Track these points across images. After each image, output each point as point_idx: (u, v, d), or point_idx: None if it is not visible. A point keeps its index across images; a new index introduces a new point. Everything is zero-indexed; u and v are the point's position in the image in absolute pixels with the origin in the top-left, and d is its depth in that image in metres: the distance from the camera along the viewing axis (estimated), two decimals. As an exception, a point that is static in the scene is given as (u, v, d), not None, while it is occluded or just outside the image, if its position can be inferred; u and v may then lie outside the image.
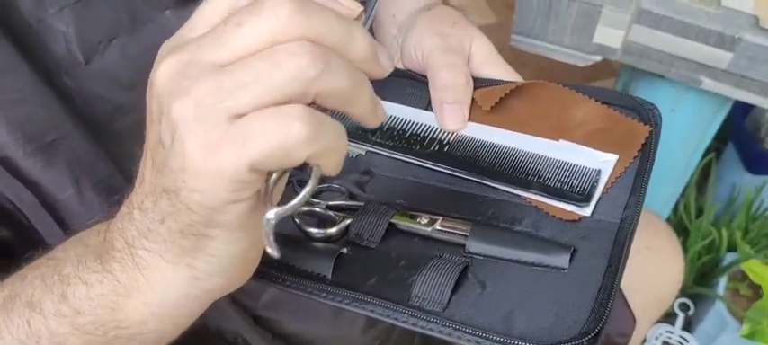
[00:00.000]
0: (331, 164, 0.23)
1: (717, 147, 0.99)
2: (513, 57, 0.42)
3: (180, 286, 0.26)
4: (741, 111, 0.94)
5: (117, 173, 0.35)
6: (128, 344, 0.27)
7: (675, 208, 0.97)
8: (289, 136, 0.21)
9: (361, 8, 0.26)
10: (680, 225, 0.96)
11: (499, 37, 0.43)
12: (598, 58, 0.68)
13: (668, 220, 0.94)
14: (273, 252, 0.23)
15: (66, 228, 0.34)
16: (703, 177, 0.97)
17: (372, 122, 0.25)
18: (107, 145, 0.35)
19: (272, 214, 0.23)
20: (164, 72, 0.22)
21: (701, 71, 0.63)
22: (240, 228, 0.24)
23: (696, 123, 0.74)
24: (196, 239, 0.24)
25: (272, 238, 0.23)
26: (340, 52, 0.23)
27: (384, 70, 0.25)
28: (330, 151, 0.22)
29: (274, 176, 0.24)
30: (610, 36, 0.65)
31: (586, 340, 0.28)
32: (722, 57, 0.61)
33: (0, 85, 0.32)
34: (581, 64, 0.69)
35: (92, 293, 0.26)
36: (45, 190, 0.34)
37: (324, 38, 0.22)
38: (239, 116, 0.21)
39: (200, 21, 0.24)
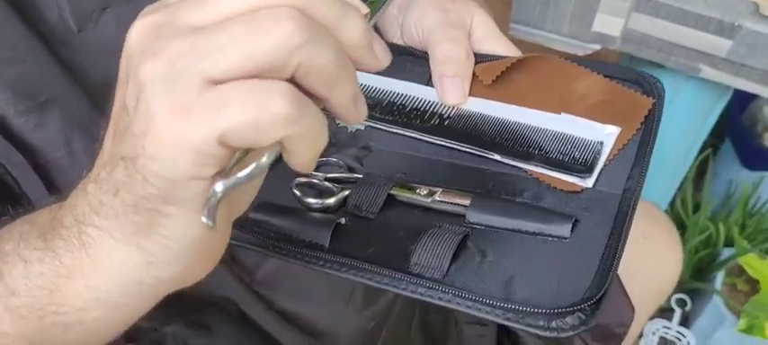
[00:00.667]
0: (304, 154, 0.21)
1: (713, 143, 0.99)
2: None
3: (129, 270, 0.23)
4: (738, 107, 0.94)
5: None
6: (65, 334, 0.24)
7: (673, 204, 0.97)
8: (267, 110, 0.19)
9: (367, 10, 0.24)
10: (677, 221, 0.96)
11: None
12: (597, 47, 0.68)
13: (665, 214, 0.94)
14: (209, 222, 0.22)
15: (56, 191, 0.33)
16: (700, 173, 0.97)
17: (352, 117, 0.23)
18: (102, 107, 0.35)
19: (219, 185, 0.21)
20: (136, 31, 0.21)
21: (701, 59, 0.63)
22: (199, 210, 0.22)
23: (695, 113, 0.74)
24: (150, 215, 0.22)
25: (213, 211, 0.21)
26: (330, 30, 0.21)
27: (379, 62, 0.23)
28: (307, 138, 0.21)
29: (237, 154, 0.22)
30: (609, 24, 0.65)
31: (588, 306, 0.28)
32: (722, 45, 0.61)
33: None
34: (580, 53, 0.69)
35: (29, 272, 0.24)
36: (36, 150, 0.33)
37: (314, 10, 0.21)
38: (214, 82, 0.20)
39: None
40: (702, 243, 0.93)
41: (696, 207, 0.96)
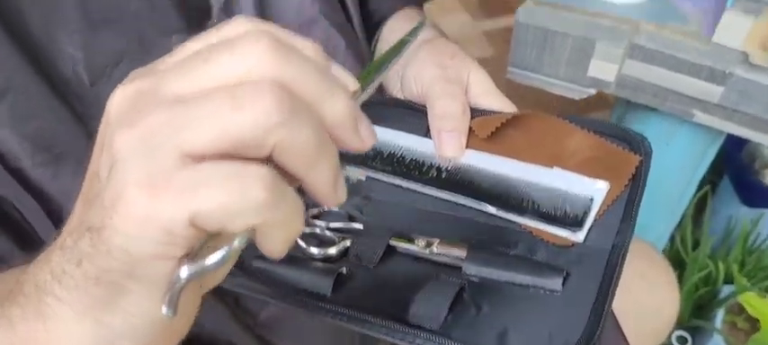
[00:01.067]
0: (277, 241, 0.21)
1: (712, 180, 1.00)
2: (510, 89, 0.44)
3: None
4: (736, 144, 0.95)
5: None
6: None
7: (672, 241, 0.98)
8: (243, 197, 0.19)
9: (357, 86, 0.23)
10: (676, 258, 0.96)
11: (496, 69, 0.44)
12: (593, 92, 0.70)
13: (664, 252, 0.95)
14: (169, 312, 0.20)
15: None
16: (699, 210, 0.98)
17: (330, 200, 0.22)
18: None
19: (184, 271, 0.20)
20: (117, 98, 0.21)
21: (694, 104, 0.65)
22: (162, 289, 0.21)
23: (690, 155, 0.76)
24: (111, 289, 0.21)
25: (176, 298, 0.20)
26: (313, 107, 0.20)
27: (363, 143, 0.22)
28: (281, 227, 0.20)
29: (207, 236, 0.20)
30: (604, 69, 0.66)
31: (578, 360, 0.29)
32: (714, 92, 0.62)
33: (11, 99, 0.33)
34: (576, 97, 0.70)
35: None
36: (52, 199, 0.34)
37: (297, 86, 0.20)
38: (191, 157, 0.19)
39: (178, 54, 0.22)
40: (702, 281, 0.94)
41: (695, 244, 0.97)
